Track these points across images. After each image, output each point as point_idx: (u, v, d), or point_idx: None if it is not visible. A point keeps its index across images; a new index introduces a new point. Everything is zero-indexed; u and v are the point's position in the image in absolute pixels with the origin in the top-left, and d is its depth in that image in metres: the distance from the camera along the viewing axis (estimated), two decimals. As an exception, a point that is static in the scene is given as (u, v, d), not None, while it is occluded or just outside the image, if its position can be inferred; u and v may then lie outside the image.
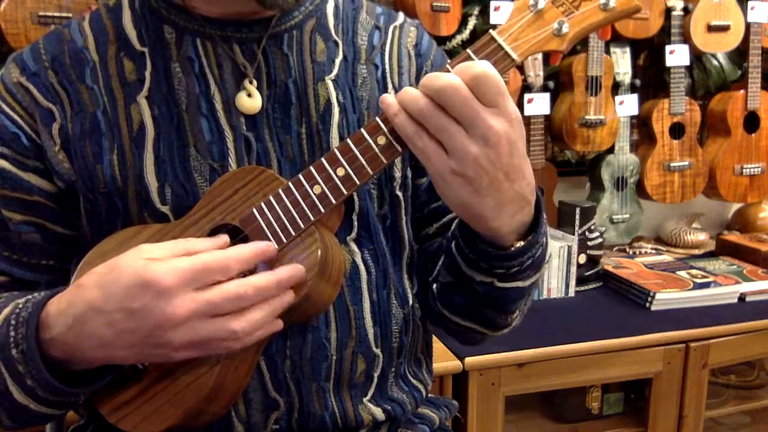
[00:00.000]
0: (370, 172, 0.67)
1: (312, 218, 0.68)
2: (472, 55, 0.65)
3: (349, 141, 0.68)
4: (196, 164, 0.75)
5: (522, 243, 0.69)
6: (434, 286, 0.83)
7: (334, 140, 0.79)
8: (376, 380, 0.81)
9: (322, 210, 0.68)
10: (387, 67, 0.84)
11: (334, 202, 0.68)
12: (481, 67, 0.60)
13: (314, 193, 0.68)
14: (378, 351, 0.81)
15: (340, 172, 0.68)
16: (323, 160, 0.68)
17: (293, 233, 0.69)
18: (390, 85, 0.83)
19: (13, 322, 0.65)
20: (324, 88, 0.80)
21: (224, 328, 0.62)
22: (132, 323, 0.61)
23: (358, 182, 0.67)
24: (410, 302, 0.85)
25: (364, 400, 0.81)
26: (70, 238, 0.80)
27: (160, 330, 0.60)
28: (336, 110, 0.80)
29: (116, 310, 0.61)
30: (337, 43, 0.82)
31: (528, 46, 0.65)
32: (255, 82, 0.78)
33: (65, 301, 0.65)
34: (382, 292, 0.81)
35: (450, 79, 0.59)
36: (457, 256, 0.74)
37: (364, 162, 0.67)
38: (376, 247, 0.81)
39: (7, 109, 0.77)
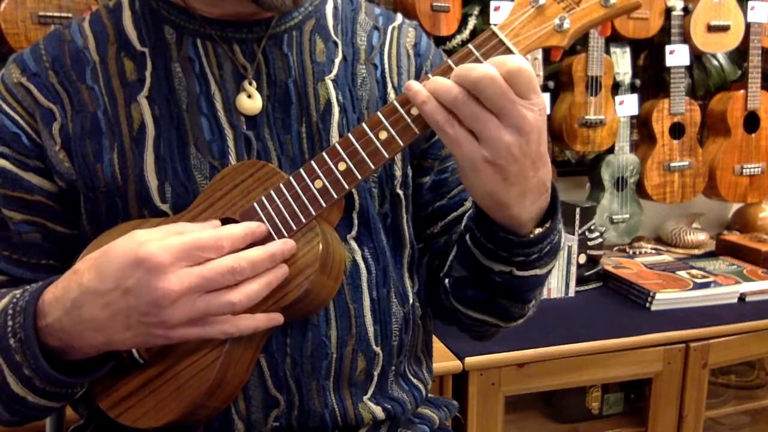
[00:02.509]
0: (372, 167, 0.67)
1: (313, 212, 0.68)
2: (474, 51, 0.65)
3: (350, 135, 0.68)
4: (196, 163, 0.76)
5: (540, 229, 0.70)
6: (446, 281, 0.82)
7: (335, 140, 0.79)
8: (376, 379, 0.82)
9: (324, 204, 0.68)
10: (386, 67, 0.84)
11: (335, 196, 0.68)
12: (516, 62, 0.61)
13: (315, 188, 0.68)
14: (378, 349, 0.81)
15: (342, 166, 0.68)
16: (324, 154, 0.68)
17: (294, 227, 0.69)
18: (389, 85, 0.84)
19: (10, 311, 0.66)
20: (324, 88, 0.80)
21: (221, 301, 0.62)
22: (128, 302, 0.60)
23: (359, 177, 0.68)
24: (411, 301, 0.85)
25: (364, 398, 0.81)
26: (70, 238, 0.80)
27: (156, 307, 0.60)
28: (336, 110, 0.80)
29: (111, 290, 0.61)
30: (336, 44, 0.83)
31: (529, 42, 0.65)
32: (254, 83, 0.78)
33: (61, 287, 0.65)
34: (382, 290, 0.81)
35: (487, 70, 0.59)
36: (473, 248, 0.73)
37: (365, 156, 0.67)
38: (376, 245, 0.81)
39: (8, 109, 0.77)
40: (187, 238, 0.61)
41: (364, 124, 0.67)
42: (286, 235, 0.69)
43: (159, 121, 0.76)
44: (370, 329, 0.80)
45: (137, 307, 0.61)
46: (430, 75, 0.65)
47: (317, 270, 0.68)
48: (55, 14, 1.50)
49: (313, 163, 0.69)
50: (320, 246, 0.68)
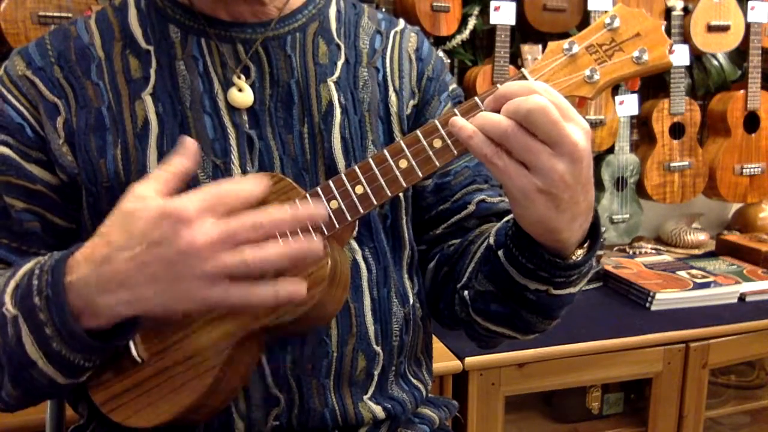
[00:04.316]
0: (389, 194, 0.67)
1: (326, 233, 0.68)
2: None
3: (370, 160, 0.67)
4: (198, 161, 0.76)
5: (582, 250, 0.70)
6: (465, 293, 0.81)
7: (336, 140, 0.79)
8: (376, 378, 0.82)
9: (337, 226, 0.68)
10: (388, 70, 0.85)
11: (349, 219, 0.68)
12: (556, 91, 0.62)
13: (330, 208, 0.68)
14: (378, 349, 0.81)
15: (359, 190, 0.67)
16: (342, 175, 0.68)
17: None
18: (391, 88, 0.84)
19: (37, 271, 0.64)
20: (326, 89, 0.81)
21: (242, 256, 0.58)
22: (154, 253, 0.58)
23: (375, 202, 0.67)
24: (411, 301, 0.85)
25: (365, 397, 0.81)
26: (68, 232, 0.80)
27: (183, 256, 0.58)
28: (338, 111, 0.80)
29: (138, 244, 0.59)
30: (339, 46, 0.83)
31: (558, 89, 0.65)
32: (243, 77, 0.78)
33: (90, 246, 0.62)
34: (382, 290, 0.82)
35: (539, 101, 0.59)
36: (508, 266, 0.73)
37: (383, 183, 0.67)
38: (376, 245, 0.82)
39: (13, 100, 0.77)
40: (211, 188, 0.59)
41: (385, 150, 0.67)
42: None
43: (162, 119, 0.76)
44: (371, 328, 0.80)
45: (166, 256, 0.58)
46: (456, 111, 0.65)
47: (326, 287, 0.67)
48: (55, 14, 1.50)
49: (330, 183, 0.68)
50: (329, 267, 0.67)
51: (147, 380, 0.69)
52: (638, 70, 0.66)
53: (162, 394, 0.69)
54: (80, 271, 0.62)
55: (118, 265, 0.60)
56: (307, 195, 0.69)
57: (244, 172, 0.77)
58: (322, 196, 0.68)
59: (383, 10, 1.76)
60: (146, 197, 0.60)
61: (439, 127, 0.66)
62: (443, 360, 1.42)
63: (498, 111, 0.62)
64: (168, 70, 0.78)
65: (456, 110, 0.65)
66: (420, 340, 0.89)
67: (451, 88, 0.91)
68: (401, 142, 0.67)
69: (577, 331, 1.55)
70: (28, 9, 1.48)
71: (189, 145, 0.63)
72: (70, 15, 1.51)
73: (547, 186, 0.61)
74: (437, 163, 0.66)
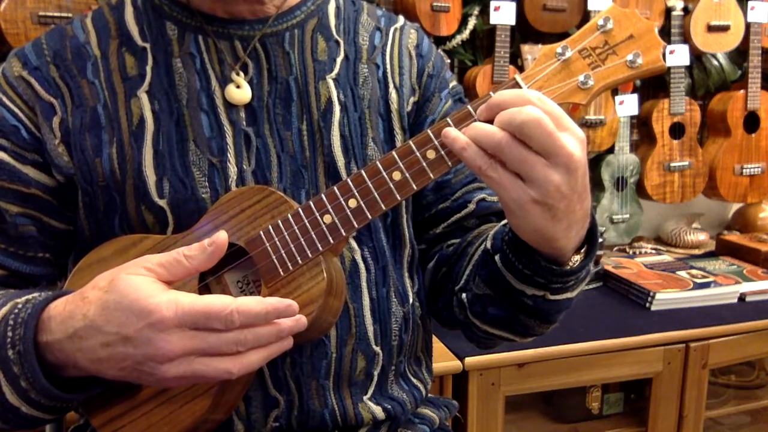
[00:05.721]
0: (383, 207, 0.66)
1: (320, 249, 0.67)
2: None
3: (362, 172, 0.66)
4: (194, 159, 0.76)
5: (579, 256, 0.70)
6: (463, 296, 0.81)
7: (335, 137, 0.79)
8: (376, 378, 0.82)
9: (332, 241, 0.67)
10: (388, 67, 0.85)
11: (344, 234, 0.67)
12: (550, 100, 0.61)
13: (324, 223, 0.67)
14: (378, 349, 0.81)
15: (352, 203, 0.66)
16: (335, 188, 0.67)
17: (300, 261, 0.67)
18: (391, 85, 0.84)
19: (11, 322, 0.65)
20: (325, 86, 0.80)
21: (219, 368, 0.61)
22: (126, 349, 0.61)
23: (369, 216, 0.66)
24: (410, 300, 0.85)
25: (364, 398, 0.81)
26: (65, 233, 0.80)
27: (153, 361, 0.60)
28: (337, 108, 0.80)
29: (113, 333, 0.61)
30: (338, 43, 0.83)
31: (552, 96, 0.64)
32: (242, 74, 0.78)
33: (68, 311, 0.64)
34: (381, 289, 0.81)
35: (533, 112, 0.58)
36: (505, 271, 0.73)
37: (377, 196, 0.66)
38: (375, 245, 0.81)
39: (8, 102, 0.77)
40: (199, 303, 0.60)
41: (378, 162, 0.66)
42: (291, 268, 0.67)
43: (158, 116, 0.76)
44: (370, 329, 0.80)
45: (134, 356, 0.61)
46: (449, 120, 0.64)
47: (323, 302, 0.67)
48: (55, 14, 1.50)
49: (323, 196, 0.67)
50: (325, 283, 0.67)
51: (145, 402, 0.69)
52: (632, 74, 0.65)
53: (162, 416, 0.68)
54: (54, 335, 0.64)
55: (92, 346, 0.62)
56: (299, 209, 0.68)
57: (240, 170, 0.77)
58: (315, 210, 0.67)
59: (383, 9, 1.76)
60: (139, 287, 0.61)
61: (433, 137, 0.65)
62: (443, 360, 1.41)
63: (491, 120, 0.61)
64: (164, 67, 0.77)
65: (449, 120, 0.64)
66: (420, 339, 0.89)
67: (451, 85, 0.91)
68: (394, 153, 0.65)
69: (576, 331, 1.55)
70: (28, 9, 1.48)
71: (220, 243, 0.65)
72: (70, 15, 1.51)
73: (542, 197, 0.60)
74: (431, 175, 0.65)
